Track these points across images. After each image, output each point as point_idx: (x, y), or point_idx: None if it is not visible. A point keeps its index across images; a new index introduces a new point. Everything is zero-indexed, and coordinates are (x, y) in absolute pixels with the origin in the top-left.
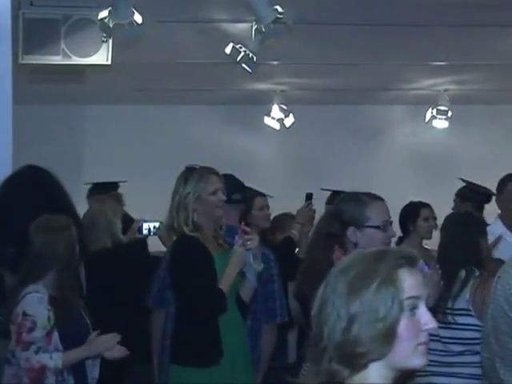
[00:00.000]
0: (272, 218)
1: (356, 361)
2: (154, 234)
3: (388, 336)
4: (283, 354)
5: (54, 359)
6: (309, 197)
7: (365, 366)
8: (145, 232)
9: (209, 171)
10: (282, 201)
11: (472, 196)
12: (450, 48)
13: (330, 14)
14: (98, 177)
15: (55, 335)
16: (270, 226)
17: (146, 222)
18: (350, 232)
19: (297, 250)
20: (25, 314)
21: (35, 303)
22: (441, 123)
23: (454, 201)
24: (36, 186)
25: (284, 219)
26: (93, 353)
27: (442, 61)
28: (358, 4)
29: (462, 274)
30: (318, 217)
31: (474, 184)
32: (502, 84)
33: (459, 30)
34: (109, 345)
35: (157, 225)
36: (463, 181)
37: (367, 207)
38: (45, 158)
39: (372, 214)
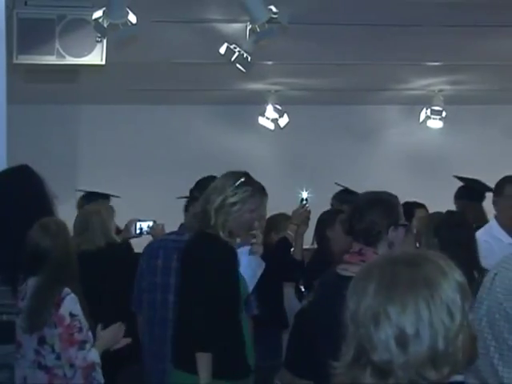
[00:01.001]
0: (267, 218)
1: (457, 368)
2: (148, 233)
3: (474, 340)
4: (278, 354)
5: (97, 354)
6: (304, 198)
7: (460, 371)
8: (138, 231)
9: (260, 190)
10: (277, 201)
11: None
12: (444, 48)
13: (325, 15)
14: (92, 177)
15: (90, 333)
16: (265, 227)
17: (139, 221)
18: (391, 232)
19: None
20: (72, 315)
21: (75, 304)
22: (435, 123)
23: (332, 204)
24: (28, 186)
25: (279, 219)
26: (105, 347)
27: (436, 61)
28: (352, 4)
29: (475, 273)
30: (313, 217)
31: (347, 189)
32: (496, 84)
33: (454, 30)
34: (118, 337)
35: (150, 224)
36: (338, 185)
37: (398, 206)
38: (39, 158)
39: (401, 212)
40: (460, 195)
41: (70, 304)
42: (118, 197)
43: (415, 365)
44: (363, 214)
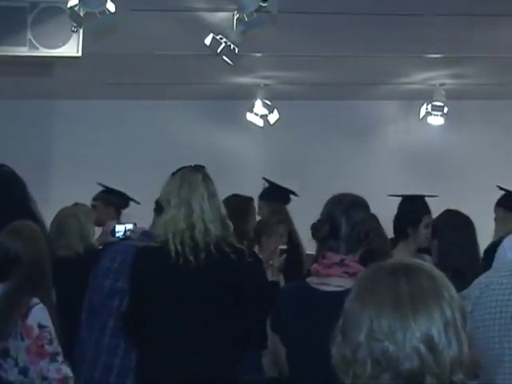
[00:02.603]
0: (257, 221)
1: (476, 371)
2: (129, 236)
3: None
4: (260, 369)
5: (69, 369)
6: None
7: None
8: (118, 235)
9: None
10: None
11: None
12: (446, 39)
13: (318, 3)
14: (68, 177)
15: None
16: (255, 231)
17: (119, 224)
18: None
19: None
20: (41, 326)
21: (44, 314)
22: (436, 120)
23: None
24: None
25: (270, 223)
26: None
27: (437, 53)
28: None
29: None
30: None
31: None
32: (501, 78)
33: (456, 20)
34: None
35: (131, 226)
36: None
37: None
38: (11, 156)
39: None
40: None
41: (39, 315)
42: (137, 203)
43: (448, 370)
44: (350, 217)
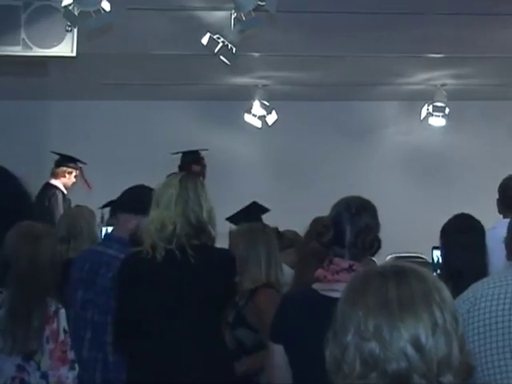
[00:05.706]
0: None
1: (470, 375)
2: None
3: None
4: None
5: None
6: None
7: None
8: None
9: None
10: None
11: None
12: (447, 39)
13: (317, 2)
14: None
15: None
16: None
17: (107, 226)
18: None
19: None
20: (65, 331)
21: (65, 319)
22: (437, 121)
23: None
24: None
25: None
26: None
27: (438, 53)
28: None
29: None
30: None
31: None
32: (503, 78)
33: (457, 20)
34: None
35: None
36: None
37: None
38: (5, 157)
39: None
40: None
41: (63, 318)
42: (84, 163)
43: (435, 369)
44: (354, 224)
